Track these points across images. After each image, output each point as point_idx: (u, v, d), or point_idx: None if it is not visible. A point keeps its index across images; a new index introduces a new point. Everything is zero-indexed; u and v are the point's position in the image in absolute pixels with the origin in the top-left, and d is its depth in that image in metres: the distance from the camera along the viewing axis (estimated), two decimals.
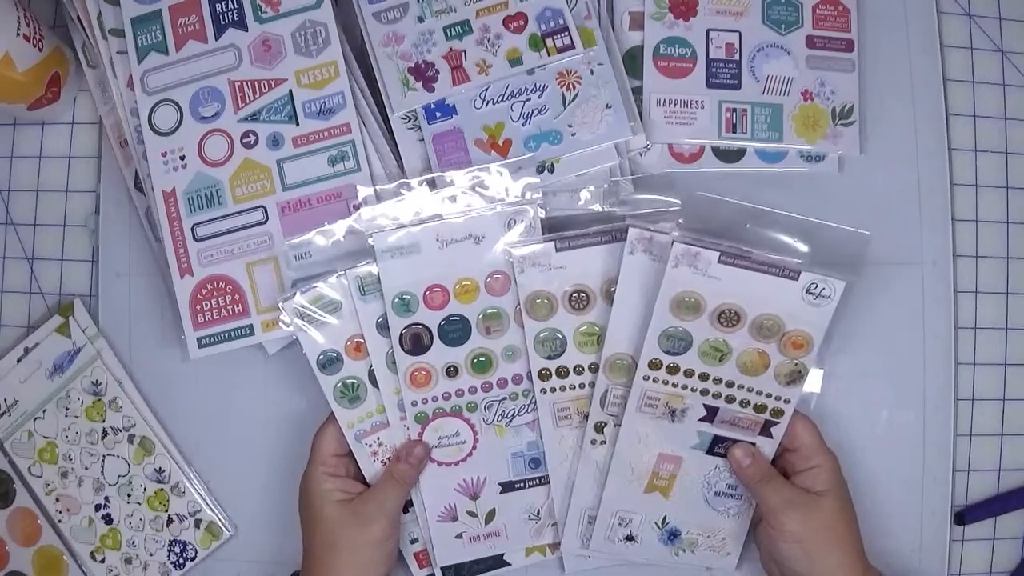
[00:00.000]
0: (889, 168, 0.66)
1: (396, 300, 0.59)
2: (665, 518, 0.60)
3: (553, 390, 0.60)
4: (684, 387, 0.58)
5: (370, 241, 0.59)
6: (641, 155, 0.65)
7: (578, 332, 0.59)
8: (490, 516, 0.62)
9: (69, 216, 0.69)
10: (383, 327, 0.60)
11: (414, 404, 0.60)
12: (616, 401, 0.59)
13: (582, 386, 0.60)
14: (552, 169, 0.62)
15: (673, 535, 0.61)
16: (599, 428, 0.60)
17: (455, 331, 0.60)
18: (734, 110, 0.65)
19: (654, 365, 0.57)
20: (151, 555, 0.65)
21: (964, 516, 0.65)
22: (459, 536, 0.62)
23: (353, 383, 0.60)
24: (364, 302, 0.59)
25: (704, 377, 0.57)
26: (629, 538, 0.61)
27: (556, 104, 0.62)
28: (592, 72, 0.63)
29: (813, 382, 0.64)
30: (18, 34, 0.60)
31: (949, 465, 0.65)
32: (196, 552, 0.65)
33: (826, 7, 0.66)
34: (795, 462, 0.58)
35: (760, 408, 0.58)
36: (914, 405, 0.64)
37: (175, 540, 0.65)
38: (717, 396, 0.58)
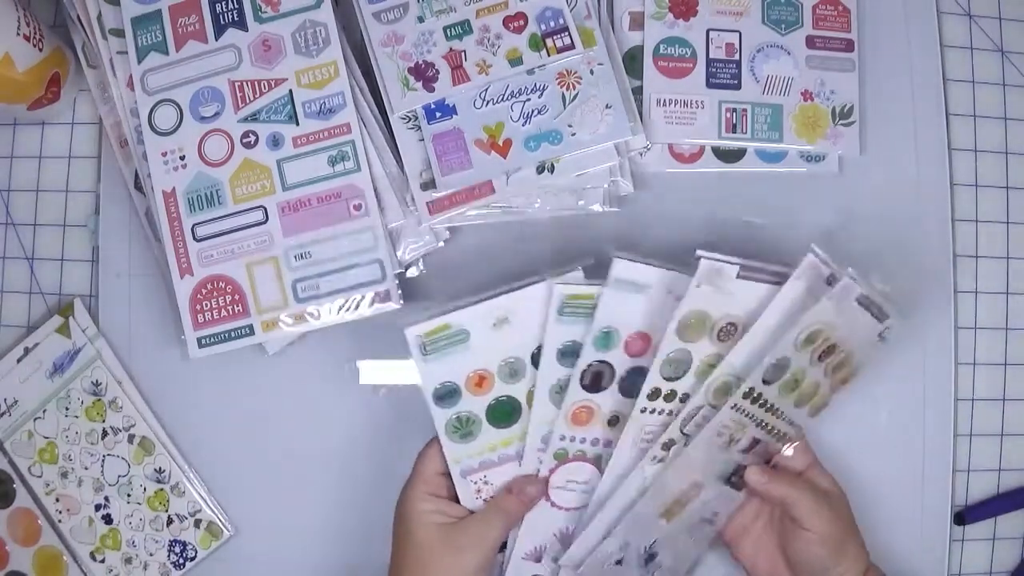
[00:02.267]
0: (889, 168, 0.66)
1: (600, 333, 0.55)
2: (654, 543, 0.58)
3: (653, 411, 0.55)
4: (752, 417, 0.54)
5: (614, 270, 0.53)
6: (641, 155, 0.65)
7: (704, 362, 0.55)
8: (575, 567, 0.58)
9: (69, 216, 0.69)
10: (564, 355, 0.56)
11: (562, 439, 0.57)
12: (700, 422, 0.55)
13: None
14: (552, 169, 0.62)
15: (650, 558, 0.59)
16: (667, 446, 0.55)
17: (636, 382, 0.55)
18: (734, 110, 0.65)
19: (747, 395, 0.53)
20: (151, 555, 0.65)
21: (964, 516, 0.65)
22: None
23: (468, 418, 0.57)
24: (558, 323, 0.55)
25: (771, 408, 0.55)
26: (618, 562, 0.58)
27: (556, 104, 0.62)
28: (592, 72, 0.63)
29: None
30: (18, 34, 0.60)
31: (949, 465, 0.65)
32: (196, 552, 0.65)
33: (826, 7, 0.66)
34: (791, 465, 0.58)
35: (783, 437, 0.57)
36: (914, 405, 0.64)
37: (175, 540, 0.65)
38: (766, 427, 0.55)
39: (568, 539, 0.58)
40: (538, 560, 0.59)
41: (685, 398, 0.55)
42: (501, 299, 0.55)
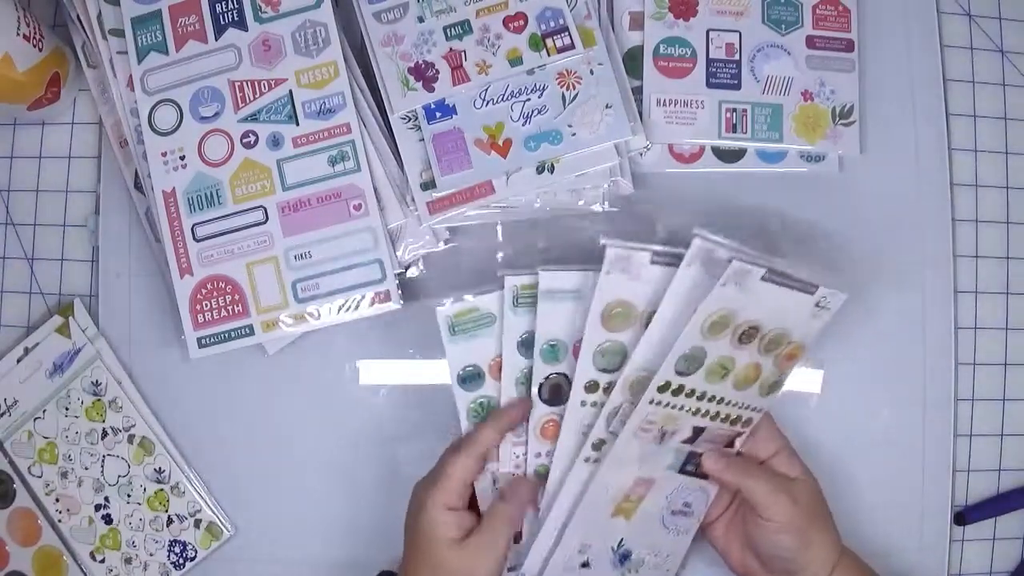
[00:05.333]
0: (889, 168, 0.66)
1: (546, 346, 0.56)
2: (621, 541, 0.58)
3: (594, 404, 0.55)
4: (682, 408, 0.54)
5: (541, 282, 0.54)
6: (641, 155, 0.65)
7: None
8: None
9: (69, 216, 0.69)
10: (524, 345, 0.56)
11: (537, 456, 0.57)
12: (624, 419, 0.54)
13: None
14: (552, 169, 0.62)
15: (624, 557, 0.58)
16: (597, 446, 0.55)
17: None
18: (734, 110, 0.65)
19: (663, 388, 0.53)
20: (151, 555, 0.65)
21: (964, 516, 0.65)
22: None
23: (490, 403, 0.58)
24: (514, 314, 0.56)
25: (701, 396, 0.54)
26: (584, 565, 0.57)
27: (556, 104, 0.62)
28: (592, 72, 0.63)
29: (813, 382, 0.64)
30: (18, 34, 0.60)
31: (949, 465, 0.65)
32: (196, 552, 0.65)
33: (826, 7, 0.66)
34: (757, 449, 0.57)
35: (736, 421, 0.56)
36: (914, 405, 0.64)
37: (175, 540, 0.65)
38: (705, 414, 0.55)
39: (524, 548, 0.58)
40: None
41: (609, 388, 0.55)
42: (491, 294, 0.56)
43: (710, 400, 0.55)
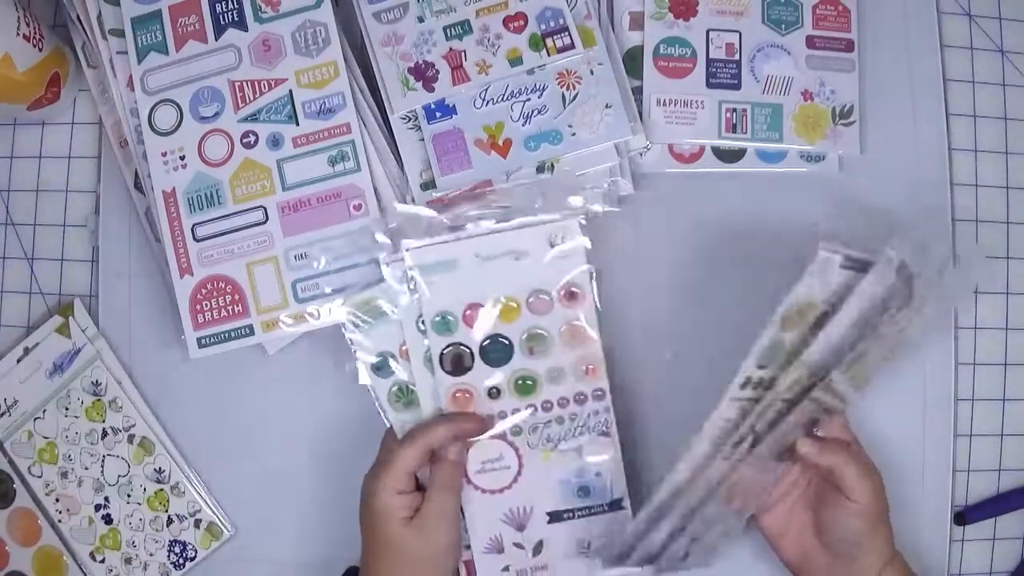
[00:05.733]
0: (889, 168, 0.66)
1: (437, 319, 0.58)
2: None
3: (749, 400, 0.53)
4: (777, 403, 0.53)
5: (408, 259, 0.57)
6: (641, 155, 0.65)
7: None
8: (538, 548, 0.59)
9: (69, 216, 0.69)
10: (424, 325, 0.58)
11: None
12: (771, 418, 0.53)
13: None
14: (552, 169, 0.62)
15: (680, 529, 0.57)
16: (737, 444, 0.53)
17: (497, 351, 0.58)
18: (734, 110, 0.65)
19: (745, 384, 0.52)
20: (151, 555, 0.65)
21: (964, 516, 0.65)
22: (506, 569, 0.59)
23: (408, 387, 0.59)
24: (409, 296, 0.58)
25: (825, 387, 0.53)
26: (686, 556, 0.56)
27: (556, 104, 0.62)
28: (592, 72, 0.63)
29: None
30: (18, 34, 0.60)
31: (949, 465, 0.65)
32: (196, 552, 0.65)
33: (826, 7, 0.66)
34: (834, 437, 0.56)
35: (817, 406, 0.55)
36: (914, 405, 0.64)
37: (175, 540, 0.65)
38: (803, 405, 0.54)
39: (519, 520, 0.59)
40: (500, 551, 0.59)
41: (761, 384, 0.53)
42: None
43: (817, 390, 0.54)
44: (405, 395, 0.59)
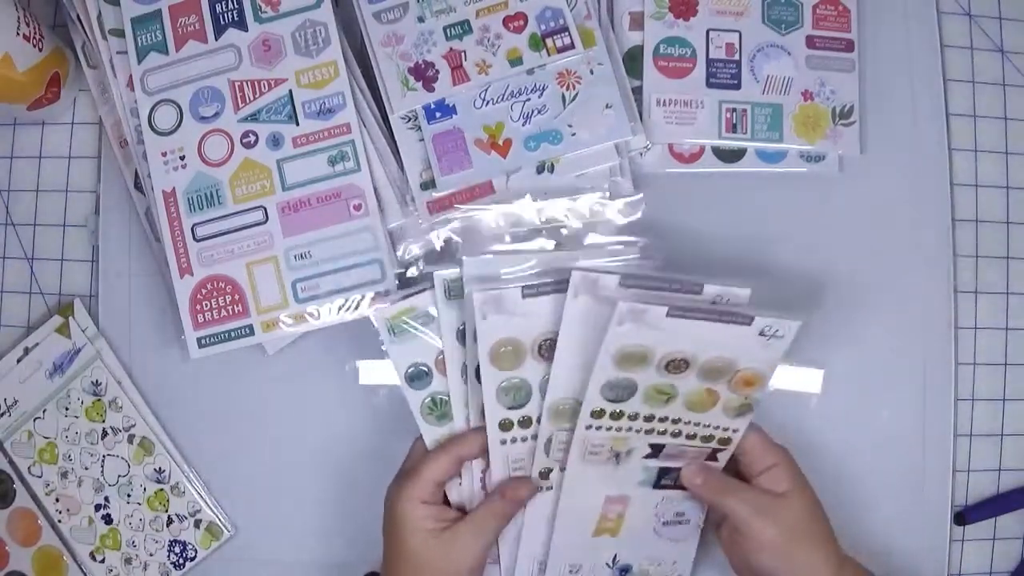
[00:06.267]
0: (889, 168, 0.66)
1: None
2: (615, 557, 0.58)
3: (514, 440, 0.56)
4: (628, 430, 0.54)
5: (466, 270, 0.54)
6: (641, 155, 0.65)
7: (544, 381, 0.54)
8: None
9: (69, 216, 0.69)
10: (463, 337, 0.56)
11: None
12: (561, 446, 0.55)
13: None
14: (552, 169, 0.62)
15: (624, 571, 0.58)
16: (544, 475, 0.56)
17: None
18: (734, 110, 0.65)
19: (596, 414, 0.53)
20: (151, 555, 0.65)
21: (964, 516, 0.65)
22: None
23: (442, 399, 0.57)
24: (448, 308, 0.56)
25: (649, 419, 0.54)
26: None
27: (556, 104, 0.62)
28: (592, 72, 0.63)
29: (813, 382, 0.64)
30: (18, 34, 0.60)
31: (949, 465, 0.65)
32: (196, 552, 0.65)
33: (826, 7, 0.66)
34: (749, 465, 0.56)
35: (707, 439, 0.55)
36: (914, 405, 0.64)
37: (175, 540, 0.65)
38: (663, 433, 0.54)
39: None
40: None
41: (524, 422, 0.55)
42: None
43: (661, 420, 0.54)
44: (438, 407, 0.57)
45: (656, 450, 0.55)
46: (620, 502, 0.57)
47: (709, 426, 0.55)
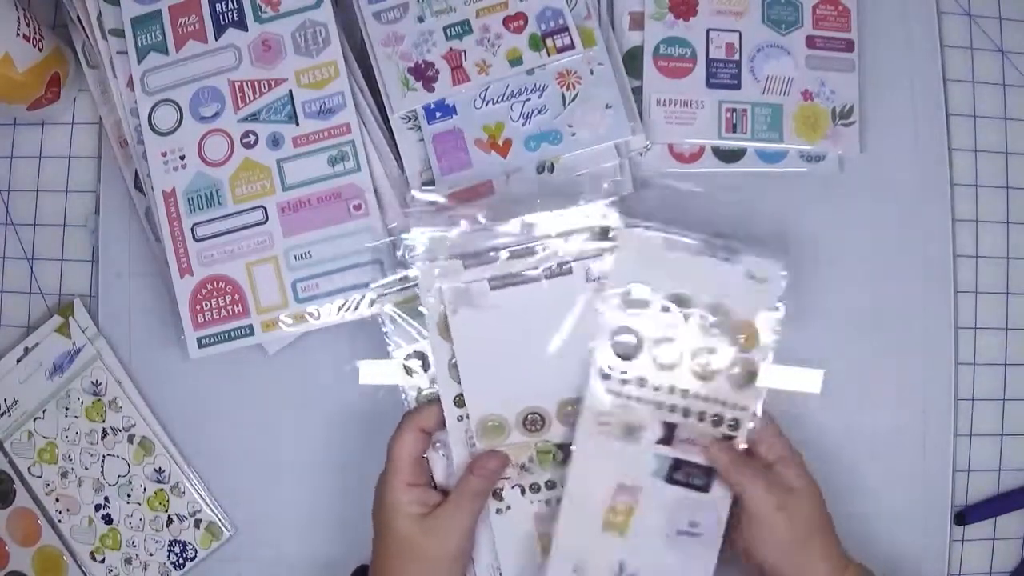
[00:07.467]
0: (889, 168, 0.66)
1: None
2: (622, 564, 0.55)
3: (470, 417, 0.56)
4: (639, 399, 0.54)
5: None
6: (641, 155, 0.65)
7: None
8: None
9: (69, 216, 0.69)
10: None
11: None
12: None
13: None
14: (552, 169, 0.62)
15: None
16: (498, 495, 0.56)
17: None
18: (734, 110, 0.65)
19: (606, 376, 0.54)
20: (151, 555, 0.65)
21: (964, 516, 0.65)
22: None
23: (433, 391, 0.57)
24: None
25: (659, 388, 0.54)
26: None
27: (556, 104, 0.62)
28: (592, 72, 0.63)
29: (813, 382, 0.64)
30: (18, 34, 0.60)
31: (949, 465, 0.65)
32: (196, 552, 0.65)
33: (826, 7, 0.66)
34: (763, 455, 0.55)
35: (717, 422, 0.55)
36: (914, 405, 0.64)
37: (175, 540, 0.65)
38: (673, 409, 0.55)
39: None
40: None
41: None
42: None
43: (670, 392, 0.54)
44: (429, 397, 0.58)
45: (668, 433, 0.55)
46: (630, 493, 0.55)
47: (718, 401, 0.55)
